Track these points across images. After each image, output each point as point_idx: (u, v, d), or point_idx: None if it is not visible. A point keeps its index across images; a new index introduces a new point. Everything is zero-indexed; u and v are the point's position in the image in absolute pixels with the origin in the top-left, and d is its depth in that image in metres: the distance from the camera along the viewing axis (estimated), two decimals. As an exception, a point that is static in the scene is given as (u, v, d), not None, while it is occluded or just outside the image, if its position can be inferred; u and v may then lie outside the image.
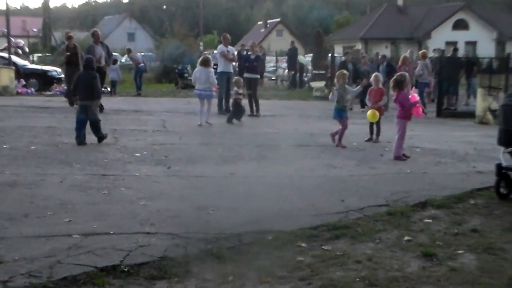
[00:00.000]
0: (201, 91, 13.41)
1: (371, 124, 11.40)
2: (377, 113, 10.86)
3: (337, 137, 10.88)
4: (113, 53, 20.01)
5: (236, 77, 15.19)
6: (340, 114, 10.99)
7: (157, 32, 53.72)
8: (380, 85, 11.51)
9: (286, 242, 5.16)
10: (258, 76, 16.75)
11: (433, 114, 16.67)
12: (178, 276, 4.38)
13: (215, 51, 19.61)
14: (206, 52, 31.93)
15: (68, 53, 16.40)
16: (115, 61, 21.79)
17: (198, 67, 13.69)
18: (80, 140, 9.99)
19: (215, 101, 14.99)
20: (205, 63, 13.58)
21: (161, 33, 46.24)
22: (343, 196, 6.88)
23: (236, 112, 14.00)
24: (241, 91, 14.02)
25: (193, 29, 37.47)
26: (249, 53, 16.84)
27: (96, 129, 10.25)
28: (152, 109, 16.42)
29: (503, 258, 4.88)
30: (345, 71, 11.49)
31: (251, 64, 15.91)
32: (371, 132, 11.46)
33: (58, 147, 9.79)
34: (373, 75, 11.84)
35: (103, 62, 15.22)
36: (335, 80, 11.28)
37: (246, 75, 16.04)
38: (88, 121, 10.17)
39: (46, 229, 5.29)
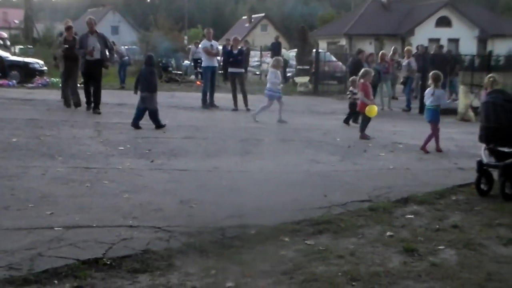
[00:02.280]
0: (274, 92, 13.41)
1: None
2: (376, 108, 11.06)
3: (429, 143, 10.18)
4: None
5: (352, 77, 14.43)
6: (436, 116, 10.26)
7: (141, 25, 53.45)
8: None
9: (269, 237, 5.17)
10: (243, 70, 16.77)
11: (416, 110, 16.77)
12: (160, 270, 4.37)
13: (200, 45, 19.55)
14: (190, 46, 31.94)
15: (66, 46, 14.35)
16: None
17: (271, 69, 13.69)
18: (136, 124, 11.39)
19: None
20: (276, 65, 13.70)
21: (145, 26, 46.01)
22: (326, 191, 6.91)
23: (352, 113, 13.53)
24: (356, 90, 13.95)
25: (177, 22, 37.29)
26: (229, 47, 16.87)
27: (154, 118, 11.56)
28: (135, 102, 16.26)
29: (483, 254, 4.94)
30: (440, 73, 10.46)
31: (235, 59, 15.92)
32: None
33: (40, 139, 9.71)
34: (364, 70, 11.94)
35: (95, 55, 13.61)
36: (430, 81, 10.31)
37: (230, 69, 16.07)
38: (147, 110, 11.53)
39: (27, 222, 5.25)
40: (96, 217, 5.50)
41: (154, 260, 4.53)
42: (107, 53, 14.26)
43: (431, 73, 10.57)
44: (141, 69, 12.48)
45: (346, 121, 13.56)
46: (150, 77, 11.73)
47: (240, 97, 15.74)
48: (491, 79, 9.23)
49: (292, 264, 4.57)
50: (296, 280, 4.27)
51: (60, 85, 15.95)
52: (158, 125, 11.51)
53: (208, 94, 16.13)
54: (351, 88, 13.65)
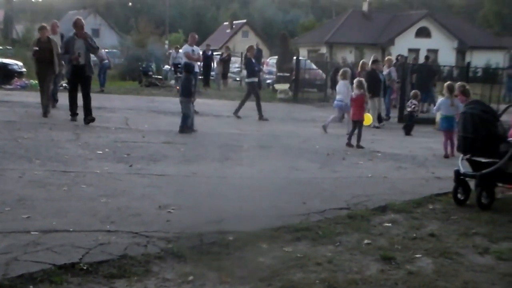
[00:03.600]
0: (345, 103, 13.12)
1: (353, 130, 11.49)
2: (370, 117, 11.25)
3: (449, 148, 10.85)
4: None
5: (413, 91, 15.05)
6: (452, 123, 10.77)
7: (122, 29, 53.25)
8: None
9: (247, 243, 5.17)
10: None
11: (395, 119, 16.91)
12: (138, 275, 4.34)
13: (181, 50, 19.56)
14: (170, 51, 31.88)
15: (37, 48, 13.02)
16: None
17: (342, 81, 13.45)
18: (182, 130, 11.93)
19: None
20: (344, 75, 13.54)
21: (126, 30, 45.82)
22: (305, 198, 6.93)
23: (410, 124, 14.18)
24: (416, 102, 14.36)
25: (158, 27, 37.26)
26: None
27: (182, 120, 12.05)
28: (115, 106, 16.23)
29: (459, 262, 4.99)
30: (454, 83, 11.61)
31: (258, 68, 16.16)
32: (350, 137, 11.52)
33: (17, 142, 9.60)
34: (356, 80, 12.02)
35: (81, 61, 12.26)
36: (445, 91, 11.15)
37: (253, 79, 16.21)
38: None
39: (3, 225, 5.18)
40: (73, 221, 5.45)
41: (132, 266, 4.49)
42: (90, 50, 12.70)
43: (446, 84, 11.34)
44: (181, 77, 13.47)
45: (408, 132, 14.04)
46: (185, 83, 12.41)
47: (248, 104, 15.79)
48: (461, 88, 10.81)
49: (270, 271, 4.57)
50: (273, 287, 4.27)
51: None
52: (181, 129, 11.92)
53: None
54: (413, 101, 14.32)
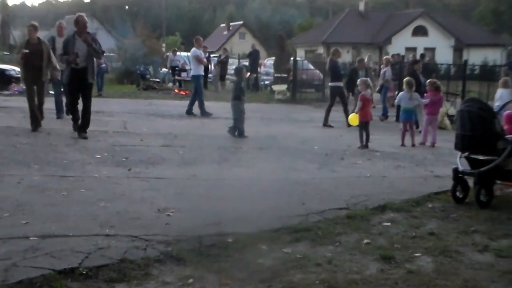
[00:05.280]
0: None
1: (360, 131, 11.46)
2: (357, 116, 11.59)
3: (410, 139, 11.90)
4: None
5: (407, 78, 14.64)
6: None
7: (119, 32, 53.18)
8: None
9: (247, 245, 5.17)
10: None
11: (393, 118, 16.91)
12: (137, 279, 4.34)
13: (178, 53, 19.59)
14: (167, 54, 31.86)
15: (26, 51, 11.31)
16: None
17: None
18: (231, 132, 12.23)
19: None
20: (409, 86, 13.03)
21: (123, 33, 45.78)
22: (304, 199, 6.93)
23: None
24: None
25: (155, 30, 37.25)
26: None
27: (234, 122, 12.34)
28: (113, 110, 16.24)
29: (458, 261, 4.99)
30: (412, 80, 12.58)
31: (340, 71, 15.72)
32: (361, 139, 11.46)
33: (16, 147, 9.60)
34: (363, 80, 12.06)
35: (80, 63, 10.76)
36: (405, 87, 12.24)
37: (337, 84, 15.67)
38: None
39: (2, 231, 5.17)
40: (73, 226, 5.44)
41: (131, 269, 4.49)
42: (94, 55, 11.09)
43: (406, 79, 12.54)
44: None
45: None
46: (236, 86, 12.84)
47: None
48: (433, 84, 12.17)
49: (270, 272, 4.57)
50: (273, 288, 4.27)
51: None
52: (231, 128, 12.27)
53: (195, 101, 16.18)
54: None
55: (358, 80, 12.33)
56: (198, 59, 16.16)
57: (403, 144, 11.84)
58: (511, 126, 7.41)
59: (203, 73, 16.48)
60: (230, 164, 9.19)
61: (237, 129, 12.20)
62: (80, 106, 11.30)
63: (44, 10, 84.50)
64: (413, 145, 11.78)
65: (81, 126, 11.04)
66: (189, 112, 16.13)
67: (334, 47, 17.62)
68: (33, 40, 11.67)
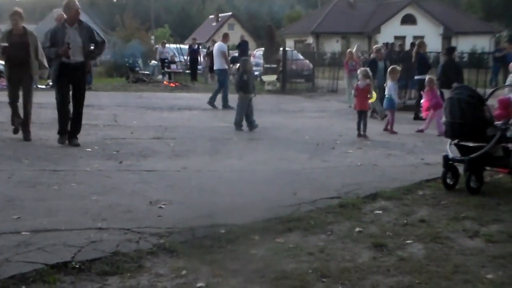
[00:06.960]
0: None
1: (359, 120, 11.45)
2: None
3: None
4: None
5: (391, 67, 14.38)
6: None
7: (108, 25, 52.89)
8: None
9: (239, 236, 5.18)
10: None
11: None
12: (130, 271, 4.35)
13: (168, 45, 19.52)
14: (157, 46, 31.74)
15: (6, 45, 9.47)
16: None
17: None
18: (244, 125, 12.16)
19: None
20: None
21: (111, 26, 45.56)
22: (296, 189, 6.94)
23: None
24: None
25: (144, 22, 37.08)
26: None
27: (247, 116, 12.19)
28: (103, 103, 16.17)
29: (449, 247, 5.02)
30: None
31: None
32: (359, 128, 11.46)
33: (5, 142, 9.56)
34: (363, 69, 12.07)
35: (74, 56, 9.19)
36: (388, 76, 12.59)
37: None
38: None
39: (-6, 227, 5.17)
40: (64, 220, 5.43)
41: (124, 262, 4.49)
42: (95, 51, 9.76)
43: (390, 68, 12.77)
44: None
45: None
46: (238, 78, 12.59)
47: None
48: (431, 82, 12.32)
49: (263, 262, 4.59)
50: (267, 278, 4.29)
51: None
52: (236, 125, 12.20)
53: (221, 94, 16.22)
54: None
55: (359, 71, 12.24)
56: (224, 55, 16.42)
57: (392, 132, 12.07)
58: (504, 111, 7.43)
59: (227, 67, 16.56)
60: (221, 156, 9.20)
61: (239, 123, 12.13)
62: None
63: (31, 3, 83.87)
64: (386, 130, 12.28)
65: (72, 132, 9.54)
66: (212, 104, 16.12)
67: (420, 40, 17.55)
68: (17, 31, 9.68)
